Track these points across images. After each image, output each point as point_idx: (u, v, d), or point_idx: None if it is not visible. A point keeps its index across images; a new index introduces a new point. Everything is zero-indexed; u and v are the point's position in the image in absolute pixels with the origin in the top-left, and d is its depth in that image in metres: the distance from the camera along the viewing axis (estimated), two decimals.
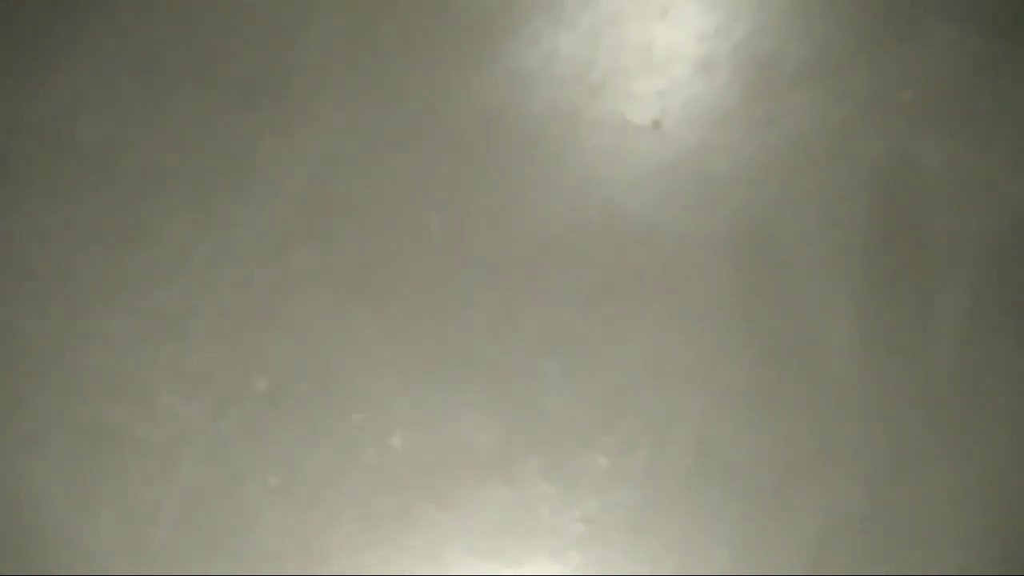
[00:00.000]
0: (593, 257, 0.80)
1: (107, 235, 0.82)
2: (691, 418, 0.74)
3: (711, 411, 0.74)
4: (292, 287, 0.81)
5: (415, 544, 0.73)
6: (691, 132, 0.84)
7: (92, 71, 0.89)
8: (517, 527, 0.73)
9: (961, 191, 0.79)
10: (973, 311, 0.75)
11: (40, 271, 0.81)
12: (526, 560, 0.72)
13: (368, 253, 0.82)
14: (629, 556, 0.72)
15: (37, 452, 0.76)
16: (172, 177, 0.84)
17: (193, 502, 0.74)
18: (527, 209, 0.82)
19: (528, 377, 0.77)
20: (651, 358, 0.76)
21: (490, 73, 0.87)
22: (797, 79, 0.84)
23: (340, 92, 0.87)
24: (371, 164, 0.84)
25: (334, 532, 0.73)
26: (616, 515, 0.72)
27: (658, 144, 0.84)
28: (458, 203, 0.83)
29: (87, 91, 0.88)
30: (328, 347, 0.78)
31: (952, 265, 0.76)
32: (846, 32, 0.85)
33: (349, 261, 0.81)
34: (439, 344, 0.78)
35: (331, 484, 0.75)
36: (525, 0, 0.89)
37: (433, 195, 0.83)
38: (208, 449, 0.76)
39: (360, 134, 0.86)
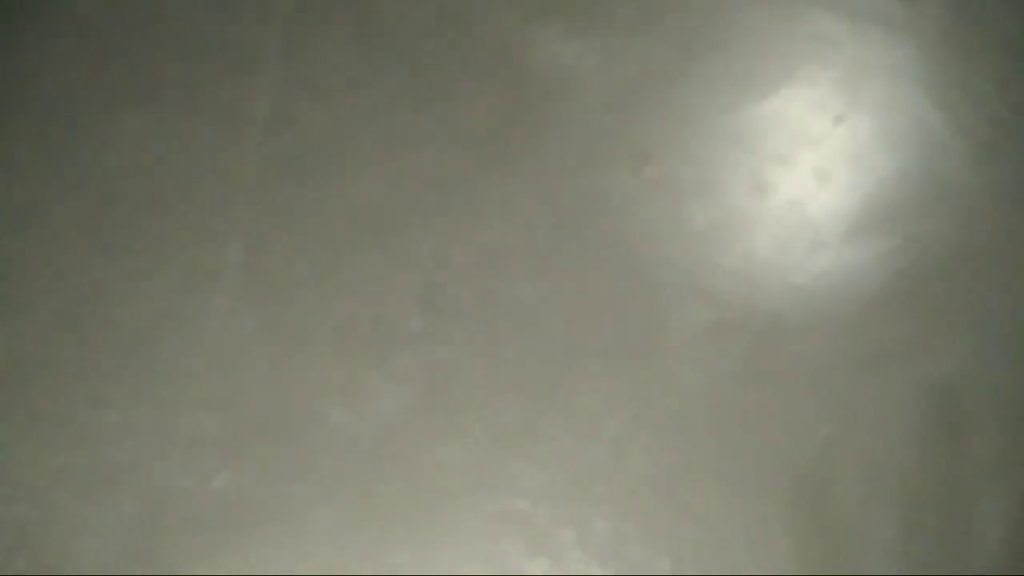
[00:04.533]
0: None
1: (529, 387, 0.89)
2: None
3: None
4: (694, 476, 0.86)
5: None
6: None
7: (518, 224, 0.97)
8: None
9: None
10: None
11: (464, 408, 0.88)
12: None
13: (758, 449, 0.87)
14: None
15: None
16: (591, 341, 0.91)
17: None
18: None
19: None
20: None
21: None
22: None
23: None
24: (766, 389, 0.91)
25: None
26: None
27: None
28: None
29: (509, 241, 0.96)
30: (731, 542, 0.84)
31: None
32: None
33: (745, 455, 0.87)
34: None
35: None
36: None
37: None
38: None
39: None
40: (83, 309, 0.90)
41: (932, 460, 0.88)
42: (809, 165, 1.00)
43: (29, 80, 1.01)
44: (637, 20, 1.06)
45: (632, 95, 1.03)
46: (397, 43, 1.04)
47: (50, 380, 0.87)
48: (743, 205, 0.98)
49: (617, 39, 1.05)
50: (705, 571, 0.83)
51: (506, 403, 0.88)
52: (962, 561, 0.84)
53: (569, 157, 1.00)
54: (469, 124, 1.01)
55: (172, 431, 0.85)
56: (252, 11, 1.04)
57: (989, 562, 0.83)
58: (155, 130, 0.99)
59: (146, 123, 0.99)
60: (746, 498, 0.85)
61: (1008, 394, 0.91)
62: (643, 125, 1.02)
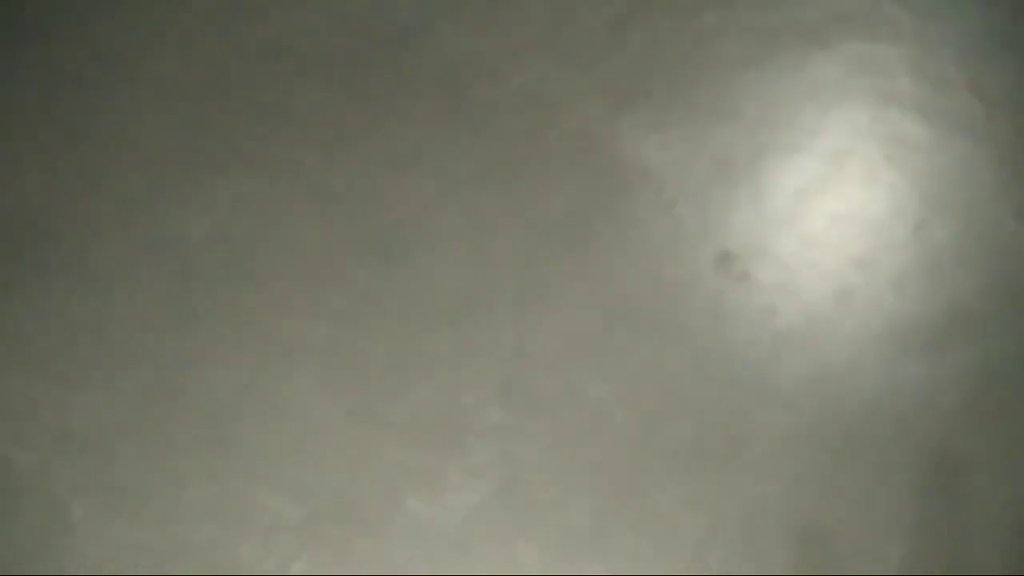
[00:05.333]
0: None
1: (605, 487, 0.89)
2: None
3: None
4: None
5: None
6: None
7: (595, 316, 0.97)
8: None
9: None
10: None
11: (539, 505, 0.88)
12: None
13: (835, 565, 0.87)
14: None
15: None
16: (666, 443, 0.91)
17: None
18: None
19: None
20: None
21: None
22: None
23: None
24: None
25: None
26: None
27: None
28: None
29: (586, 333, 0.96)
30: None
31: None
32: None
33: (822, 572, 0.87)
34: None
35: None
36: None
37: None
38: None
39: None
40: (164, 382, 0.91)
41: None
42: (888, 271, 1.00)
43: (117, 145, 1.02)
44: (719, 112, 1.07)
45: (712, 189, 1.03)
46: (482, 126, 1.05)
47: (130, 454, 0.88)
48: (823, 309, 0.98)
49: (699, 131, 1.06)
50: None
51: (581, 503, 0.88)
52: None
53: (648, 249, 1.01)
54: (549, 210, 1.02)
55: (251, 513, 0.85)
56: (342, 84, 1.06)
57: None
58: (241, 200, 1.00)
59: (232, 193, 1.00)
60: None
61: None
62: (723, 220, 1.02)
